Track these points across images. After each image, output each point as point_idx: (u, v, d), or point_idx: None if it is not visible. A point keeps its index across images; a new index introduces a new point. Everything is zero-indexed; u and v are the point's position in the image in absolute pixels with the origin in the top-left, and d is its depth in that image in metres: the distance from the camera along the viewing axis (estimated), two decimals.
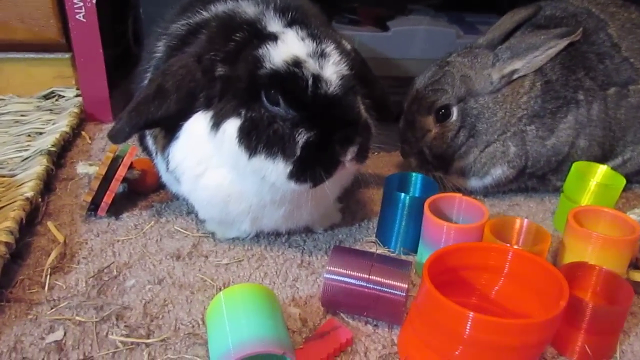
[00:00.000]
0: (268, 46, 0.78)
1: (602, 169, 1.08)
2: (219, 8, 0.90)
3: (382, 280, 0.80)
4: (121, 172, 1.01)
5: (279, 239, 1.02)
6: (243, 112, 0.80)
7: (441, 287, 0.77)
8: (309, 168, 0.79)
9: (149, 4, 1.44)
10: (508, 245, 0.83)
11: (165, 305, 0.85)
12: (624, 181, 1.04)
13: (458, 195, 0.96)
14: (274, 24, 0.82)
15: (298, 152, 0.78)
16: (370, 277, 0.80)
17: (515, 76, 1.09)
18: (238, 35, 0.81)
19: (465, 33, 1.54)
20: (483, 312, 0.80)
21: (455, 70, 1.10)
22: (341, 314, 0.84)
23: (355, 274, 0.80)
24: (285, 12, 0.83)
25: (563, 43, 1.08)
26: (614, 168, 1.19)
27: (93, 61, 1.43)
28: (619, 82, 1.11)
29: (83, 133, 1.40)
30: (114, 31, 1.64)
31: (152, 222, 1.04)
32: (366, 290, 0.80)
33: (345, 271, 0.81)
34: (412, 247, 0.99)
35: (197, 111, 0.84)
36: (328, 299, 0.83)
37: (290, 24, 0.82)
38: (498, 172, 1.13)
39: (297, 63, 0.77)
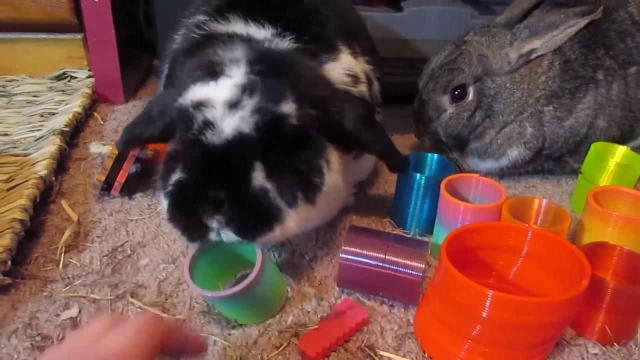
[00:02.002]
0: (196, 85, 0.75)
1: (621, 150, 1.06)
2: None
3: (399, 260, 0.79)
4: (134, 151, 1.00)
5: None
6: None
7: (459, 266, 0.76)
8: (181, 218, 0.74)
9: None
10: (527, 224, 0.81)
11: (180, 284, 0.84)
12: None
13: (475, 175, 0.95)
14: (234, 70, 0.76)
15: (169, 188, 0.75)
16: (387, 257, 0.79)
17: (533, 55, 1.07)
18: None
19: (480, 13, 1.51)
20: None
21: (472, 50, 1.08)
22: (357, 294, 0.84)
23: (371, 253, 0.80)
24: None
25: (583, 22, 1.05)
26: (633, 149, 1.17)
27: (105, 42, 1.42)
28: (639, 61, 1.09)
29: (95, 114, 1.39)
30: (126, 12, 1.63)
31: None
32: (382, 270, 0.79)
33: (361, 251, 0.80)
34: (428, 228, 0.98)
35: None
36: (344, 279, 0.82)
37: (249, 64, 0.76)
38: (514, 153, 1.12)
39: (199, 105, 0.73)
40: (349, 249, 0.80)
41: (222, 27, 0.89)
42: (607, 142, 1.10)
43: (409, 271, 0.78)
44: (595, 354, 0.76)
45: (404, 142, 1.32)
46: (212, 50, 0.81)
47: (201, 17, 0.92)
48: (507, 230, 0.79)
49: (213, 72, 0.76)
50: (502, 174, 1.18)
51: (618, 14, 1.10)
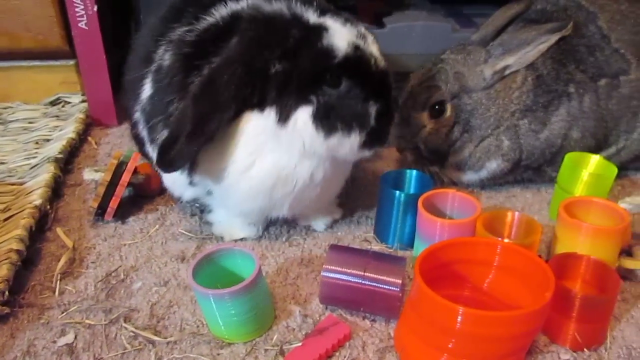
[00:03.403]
0: (327, 37, 0.84)
1: (594, 159, 1.10)
2: (229, 9, 0.91)
3: (377, 276, 0.83)
4: (126, 177, 1.05)
5: (280, 238, 1.05)
6: (314, 99, 0.85)
7: (436, 281, 0.80)
8: (377, 134, 0.90)
9: (148, 10, 1.47)
10: (497, 238, 0.85)
11: (171, 306, 0.88)
12: (616, 170, 1.06)
13: (451, 190, 0.99)
14: (311, 16, 0.87)
15: (372, 122, 0.88)
16: (366, 273, 0.83)
17: (507, 72, 1.11)
18: (292, 32, 0.84)
19: (461, 27, 1.55)
20: (476, 303, 0.84)
21: (448, 67, 1.12)
22: (340, 311, 0.87)
23: (351, 270, 0.84)
24: (306, 3, 0.88)
25: (554, 38, 1.09)
26: (608, 157, 1.21)
27: (97, 67, 1.46)
28: (609, 73, 1.13)
29: (89, 138, 1.43)
30: (117, 37, 1.67)
31: (157, 226, 1.08)
32: (362, 286, 0.83)
33: (341, 268, 0.84)
34: (409, 242, 1.01)
35: (242, 112, 0.87)
36: (326, 296, 0.86)
37: (322, 14, 0.88)
38: (493, 165, 1.16)
39: (357, 47, 0.86)
40: (330, 267, 0.84)
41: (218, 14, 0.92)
42: (582, 151, 1.14)
43: (387, 287, 0.82)
44: None
45: (390, 155, 1.36)
46: None
47: (183, 28, 0.93)
48: (478, 245, 0.83)
49: (305, 25, 0.87)
50: (482, 185, 1.22)
51: (587, 29, 1.14)
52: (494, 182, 1.22)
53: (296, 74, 0.84)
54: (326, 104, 0.85)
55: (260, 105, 0.87)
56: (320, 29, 0.85)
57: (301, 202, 0.97)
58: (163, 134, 0.92)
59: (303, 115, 0.85)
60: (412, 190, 1.06)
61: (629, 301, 0.91)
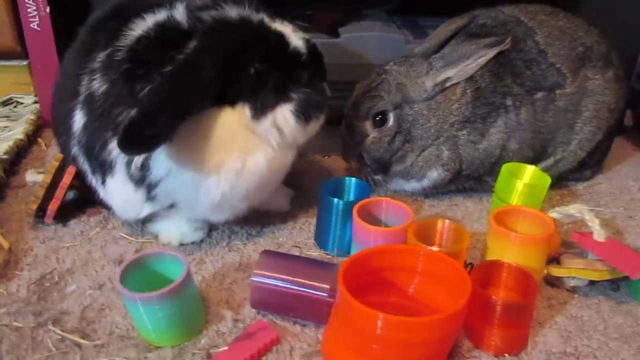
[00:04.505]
0: (290, 40, 0.95)
1: (530, 170, 1.13)
2: (153, 20, 0.93)
3: (306, 281, 0.84)
4: (66, 180, 1.05)
5: (220, 243, 1.06)
6: (294, 96, 0.95)
7: (364, 287, 0.83)
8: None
9: None
10: (423, 246, 0.88)
11: (103, 309, 0.89)
12: (549, 180, 1.09)
13: (385, 198, 1.01)
14: (269, 22, 0.95)
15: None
16: (295, 278, 0.85)
17: (448, 84, 1.14)
18: (268, 36, 0.93)
19: (415, 38, 1.59)
20: (402, 308, 0.87)
21: (391, 78, 1.15)
22: (271, 316, 0.89)
23: (280, 275, 0.85)
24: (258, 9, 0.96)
25: (492, 52, 1.13)
26: (547, 168, 1.25)
27: (49, 68, 1.45)
28: (545, 86, 1.17)
29: (40, 139, 1.42)
30: (71, 38, 1.66)
31: (98, 229, 1.08)
32: (291, 290, 0.84)
33: (271, 273, 0.85)
34: (348, 249, 1.03)
35: (209, 108, 0.89)
36: (256, 300, 0.87)
37: (272, 19, 0.96)
38: (434, 175, 1.18)
39: (307, 41, 0.98)
40: (259, 271, 0.86)
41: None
42: (521, 162, 1.17)
43: (315, 292, 0.84)
44: None
45: (340, 163, 1.37)
46: None
47: (104, 51, 0.94)
48: (402, 252, 0.85)
49: (268, 29, 0.96)
50: (426, 194, 1.25)
51: (525, 44, 1.17)
52: (437, 191, 1.24)
53: (274, 74, 0.92)
54: (301, 98, 0.95)
55: (232, 102, 0.91)
56: (282, 34, 0.95)
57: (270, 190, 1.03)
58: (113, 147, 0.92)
59: (284, 111, 0.94)
60: (351, 198, 1.08)
61: (554, 308, 0.94)
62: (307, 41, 0.98)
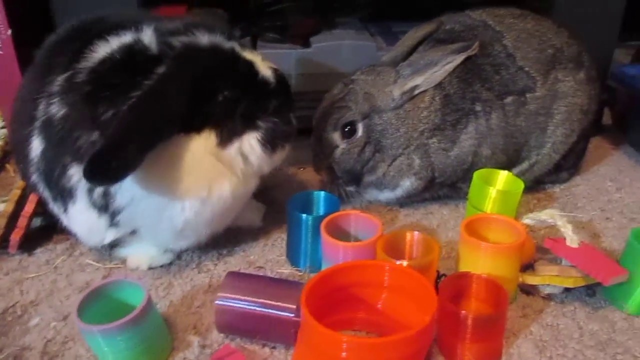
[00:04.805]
0: (258, 69, 0.95)
1: (502, 175, 1.11)
2: (118, 42, 0.91)
3: (271, 301, 0.82)
4: (28, 208, 1.02)
5: (190, 265, 1.04)
6: (262, 124, 0.94)
7: (332, 305, 0.82)
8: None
9: None
10: (388, 260, 0.86)
11: (66, 342, 0.86)
12: (522, 186, 1.07)
13: (353, 212, 0.99)
14: (240, 49, 0.95)
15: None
16: (260, 299, 0.82)
17: (416, 92, 1.12)
18: (238, 64, 0.93)
19: (388, 44, 1.58)
20: (371, 325, 0.86)
21: (358, 88, 1.13)
22: (241, 340, 0.86)
23: (245, 297, 0.83)
24: (230, 37, 0.95)
25: (460, 58, 1.11)
26: (522, 172, 1.23)
27: (14, 92, 1.43)
28: (515, 90, 1.15)
29: (7, 166, 1.40)
30: None
31: (65, 256, 1.06)
32: (256, 312, 0.82)
33: (235, 295, 0.83)
34: (320, 265, 1.01)
35: (174, 135, 0.87)
36: (221, 324, 0.85)
37: (243, 47, 0.96)
38: (407, 184, 1.16)
39: (275, 70, 0.98)
40: (223, 294, 0.84)
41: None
42: (495, 167, 1.15)
43: (281, 312, 0.82)
44: None
45: (315, 176, 1.35)
46: None
47: (62, 75, 0.92)
48: (367, 268, 0.84)
49: (238, 57, 0.96)
50: (400, 203, 1.23)
51: (493, 48, 1.16)
52: (412, 200, 1.22)
53: (242, 102, 0.92)
54: (269, 127, 0.95)
55: (198, 129, 0.89)
56: (252, 62, 0.94)
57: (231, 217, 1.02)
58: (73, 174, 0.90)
59: (251, 139, 0.94)
60: (320, 212, 1.06)
61: (529, 317, 0.92)
62: (276, 71, 0.98)
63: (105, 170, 0.79)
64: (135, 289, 0.82)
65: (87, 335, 0.79)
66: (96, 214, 0.93)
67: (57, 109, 0.90)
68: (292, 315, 0.81)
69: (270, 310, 0.82)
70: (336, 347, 0.70)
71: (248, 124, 0.93)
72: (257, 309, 0.82)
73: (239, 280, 0.86)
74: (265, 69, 0.96)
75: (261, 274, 1.00)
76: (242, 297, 0.83)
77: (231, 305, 0.83)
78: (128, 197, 0.90)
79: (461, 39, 1.16)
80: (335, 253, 0.92)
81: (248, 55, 0.95)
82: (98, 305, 0.81)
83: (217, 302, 0.84)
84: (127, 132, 0.81)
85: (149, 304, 0.79)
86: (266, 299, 0.82)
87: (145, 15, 1.06)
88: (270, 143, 0.96)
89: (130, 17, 0.97)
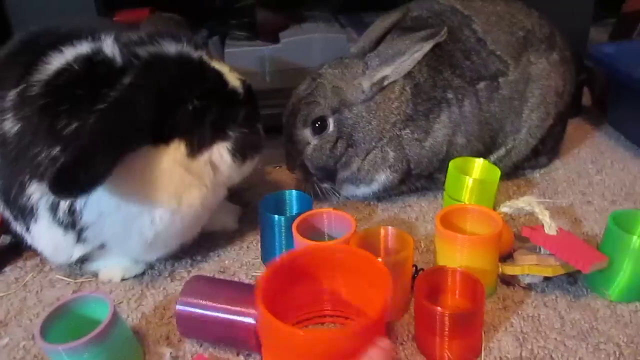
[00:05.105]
0: (227, 79, 0.93)
1: (478, 163, 1.09)
2: (76, 52, 0.87)
3: (231, 307, 0.80)
4: None
5: (163, 274, 1.01)
6: (231, 134, 0.93)
7: (295, 301, 0.82)
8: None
9: None
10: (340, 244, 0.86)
11: None
12: (499, 173, 1.05)
13: (326, 210, 0.97)
14: (208, 59, 0.93)
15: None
16: (221, 304, 0.80)
17: (385, 83, 1.09)
18: (208, 74, 0.91)
19: (359, 36, 1.53)
20: (337, 316, 0.86)
21: (326, 82, 1.10)
22: (214, 349, 0.84)
23: (205, 302, 0.81)
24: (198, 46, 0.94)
25: (428, 45, 1.08)
26: (500, 159, 1.21)
27: None
28: (487, 75, 1.12)
29: None
30: None
31: (35, 273, 1.03)
32: (217, 318, 0.80)
33: (195, 300, 0.81)
34: None
35: (144, 145, 0.84)
36: (184, 329, 0.84)
37: (210, 57, 0.95)
38: (382, 177, 1.14)
39: (243, 82, 0.97)
40: (184, 299, 0.82)
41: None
42: (472, 156, 1.13)
43: (241, 317, 0.79)
44: None
45: (291, 175, 1.32)
46: None
47: (15, 89, 0.88)
48: (319, 252, 0.83)
49: (207, 66, 0.94)
50: (378, 197, 1.20)
51: (462, 33, 1.13)
52: (389, 194, 1.20)
53: (212, 111, 0.90)
54: (238, 137, 0.94)
55: (167, 139, 0.87)
56: (220, 72, 0.93)
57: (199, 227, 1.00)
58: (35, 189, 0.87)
59: (220, 149, 0.92)
60: (293, 212, 1.04)
61: (509, 308, 0.89)
62: (244, 82, 0.97)
63: (72, 182, 0.76)
64: (101, 303, 0.79)
65: (52, 355, 0.76)
66: (61, 232, 0.90)
67: (10, 125, 0.87)
68: (254, 321, 0.79)
69: (230, 316, 0.80)
70: (293, 341, 0.68)
71: (218, 134, 0.92)
72: (217, 314, 0.80)
73: (200, 284, 0.84)
74: (233, 79, 0.95)
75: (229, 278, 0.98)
76: (203, 302, 0.81)
77: (192, 311, 0.81)
78: (96, 212, 0.87)
79: (429, 25, 1.13)
80: None
81: (216, 65, 0.94)
82: (64, 323, 0.78)
83: (177, 307, 0.82)
84: (96, 142, 0.78)
85: (115, 318, 0.77)
86: (226, 304, 0.80)
87: (98, 23, 1.03)
88: (240, 153, 0.95)
89: (82, 27, 0.94)
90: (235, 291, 0.82)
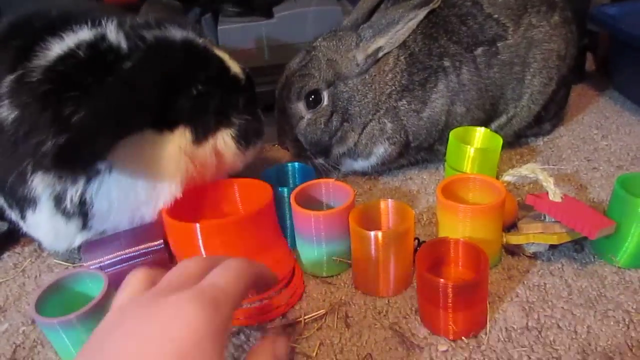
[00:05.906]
0: (228, 66, 0.94)
1: (480, 132, 1.06)
2: (78, 37, 0.84)
3: (137, 247, 0.85)
4: None
5: None
6: (234, 120, 0.93)
7: None
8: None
9: None
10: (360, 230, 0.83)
11: (35, 346, 0.83)
12: (501, 141, 1.02)
13: (324, 180, 0.95)
14: (210, 47, 0.94)
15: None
16: (125, 251, 0.85)
17: (380, 54, 1.06)
18: (212, 60, 0.92)
19: (355, 7, 1.50)
20: None
21: (321, 55, 1.07)
22: None
23: (110, 257, 0.85)
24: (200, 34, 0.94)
25: (422, 13, 1.05)
26: (501, 126, 1.18)
27: None
28: (485, 41, 1.09)
29: None
30: None
31: (33, 258, 1.02)
32: (128, 264, 0.85)
33: (102, 259, 0.85)
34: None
35: (149, 130, 0.84)
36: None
37: (211, 42, 0.95)
38: (380, 150, 1.11)
39: (243, 69, 0.98)
40: (89, 263, 0.85)
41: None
42: (473, 125, 1.10)
43: (150, 250, 0.85)
44: (444, 352, 0.76)
45: (286, 153, 1.30)
46: None
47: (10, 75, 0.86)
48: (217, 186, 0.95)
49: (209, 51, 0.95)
50: (377, 171, 1.18)
51: None
52: (389, 167, 1.18)
53: (216, 97, 0.89)
54: (241, 124, 0.93)
55: (172, 126, 0.86)
56: (223, 59, 0.93)
57: None
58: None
59: (224, 136, 0.92)
60: (297, 183, 1.01)
61: (514, 278, 0.87)
62: (243, 69, 0.97)
63: (73, 158, 0.75)
64: (96, 279, 0.79)
65: (47, 330, 0.75)
66: (64, 220, 0.88)
67: (7, 112, 0.83)
68: (162, 245, 0.85)
69: (142, 257, 0.85)
70: (193, 234, 0.78)
71: (222, 120, 0.91)
72: (128, 261, 0.85)
73: (96, 246, 0.87)
74: (235, 66, 0.95)
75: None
76: (108, 258, 0.85)
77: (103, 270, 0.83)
78: (106, 201, 0.86)
79: None
80: (307, 224, 0.87)
81: (219, 52, 0.94)
82: (58, 299, 0.78)
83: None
84: (96, 118, 0.75)
85: (110, 292, 0.76)
86: (130, 248, 0.85)
87: (91, 6, 1.00)
88: (244, 139, 0.95)
89: (75, 10, 0.92)
90: (131, 235, 0.86)
